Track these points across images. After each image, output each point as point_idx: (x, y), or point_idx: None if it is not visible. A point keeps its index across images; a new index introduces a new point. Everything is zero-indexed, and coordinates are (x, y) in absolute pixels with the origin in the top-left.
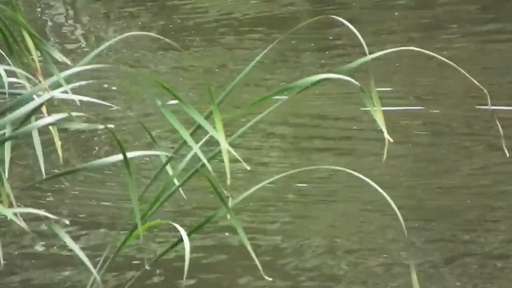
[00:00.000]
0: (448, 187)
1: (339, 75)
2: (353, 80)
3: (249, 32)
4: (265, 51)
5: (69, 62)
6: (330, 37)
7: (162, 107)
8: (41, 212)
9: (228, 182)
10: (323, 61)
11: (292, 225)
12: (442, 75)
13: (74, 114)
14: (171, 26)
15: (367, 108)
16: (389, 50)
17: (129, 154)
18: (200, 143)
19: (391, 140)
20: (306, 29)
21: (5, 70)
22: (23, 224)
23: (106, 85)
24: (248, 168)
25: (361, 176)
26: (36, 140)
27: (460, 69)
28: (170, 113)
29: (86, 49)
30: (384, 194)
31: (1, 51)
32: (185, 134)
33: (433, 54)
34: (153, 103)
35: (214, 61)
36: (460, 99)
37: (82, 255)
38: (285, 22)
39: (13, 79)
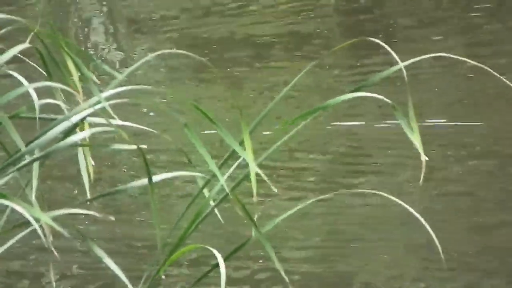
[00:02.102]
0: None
1: (369, 93)
2: (382, 97)
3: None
4: (300, 75)
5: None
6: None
7: (189, 133)
8: (91, 212)
9: (255, 198)
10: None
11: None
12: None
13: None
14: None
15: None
16: (422, 57)
17: (156, 177)
18: (230, 170)
19: (426, 159)
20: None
21: (45, 92)
22: (60, 229)
23: (145, 109)
24: (275, 190)
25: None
26: (81, 157)
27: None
28: (198, 140)
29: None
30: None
31: (42, 71)
32: (212, 163)
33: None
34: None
35: (243, 80)
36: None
37: (122, 277)
38: (314, 37)
39: (51, 100)
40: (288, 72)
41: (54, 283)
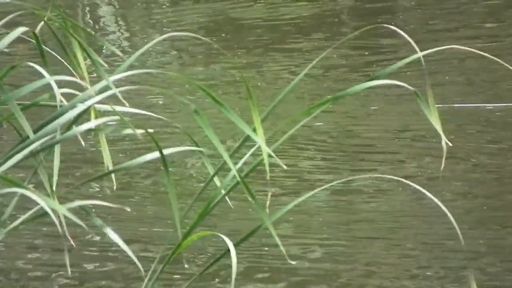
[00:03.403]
0: None
1: (386, 80)
2: (401, 83)
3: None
4: (314, 62)
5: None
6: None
7: (197, 116)
8: (102, 202)
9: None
10: (374, 66)
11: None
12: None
13: (114, 119)
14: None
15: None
16: (439, 48)
17: (166, 151)
18: (244, 159)
19: (450, 144)
20: (352, 32)
21: (58, 81)
22: (77, 220)
23: (150, 97)
24: (285, 167)
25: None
26: (103, 141)
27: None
28: (206, 122)
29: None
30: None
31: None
32: (220, 148)
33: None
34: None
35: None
36: None
37: (136, 260)
38: (327, 22)
39: (66, 90)
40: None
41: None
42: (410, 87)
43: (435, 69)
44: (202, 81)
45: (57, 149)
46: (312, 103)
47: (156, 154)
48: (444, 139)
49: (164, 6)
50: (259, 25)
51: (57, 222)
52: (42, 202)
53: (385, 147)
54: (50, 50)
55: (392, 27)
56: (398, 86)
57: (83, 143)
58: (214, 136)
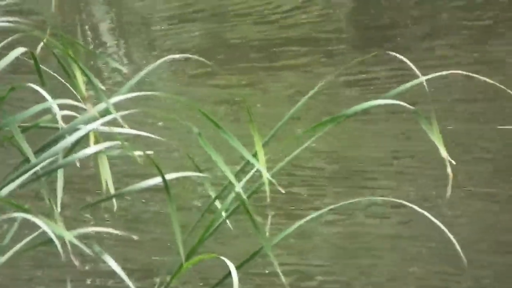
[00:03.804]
0: None
1: (389, 100)
2: (403, 103)
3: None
4: (317, 87)
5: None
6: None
7: (200, 139)
8: (115, 231)
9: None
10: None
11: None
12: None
13: (112, 143)
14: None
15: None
16: (440, 73)
17: (169, 176)
18: (244, 180)
19: (453, 162)
20: (352, 52)
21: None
22: (84, 247)
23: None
24: (283, 191)
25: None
26: (105, 164)
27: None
28: (209, 146)
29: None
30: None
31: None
32: (225, 168)
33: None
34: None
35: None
36: None
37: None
38: (326, 40)
39: (67, 112)
40: (300, 76)
41: None
42: (411, 107)
43: (434, 91)
44: (201, 101)
45: (60, 173)
46: (310, 123)
47: (158, 179)
48: (448, 164)
49: (162, 26)
50: (256, 45)
51: (60, 250)
52: (47, 228)
53: (384, 169)
54: (49, 71)
55: (395, 54)
56: (397, 106)
57: (78, 164)
58: (220, 159)
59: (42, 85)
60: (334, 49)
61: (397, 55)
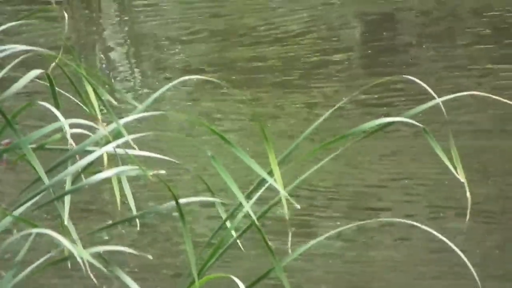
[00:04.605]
0: None
1: (396, 117)
2: (413, 121)
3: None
4: (330, 112)
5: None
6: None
7: (213, 160)
8: (131, 250)
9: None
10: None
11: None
12: None
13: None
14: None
15: None
16: (459, 94)
17: (183, 200)
18: (255, 198)
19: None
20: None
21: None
22: (101, 267)
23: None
24: (298, 206)
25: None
26: (126, 186)
27: None
28: (222, 168)
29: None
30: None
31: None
32: (237, 191)
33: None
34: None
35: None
36: None
37: None
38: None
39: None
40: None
41: None
42: (420, 125)
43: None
44: (213, 118)
45: (67, 199)
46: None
47: (172, 204)
48: (467, 189)
49: (174, 45)
50: (269, 64)
51: (83, 267)
52: (69, 245)
53: (394, 190)
54: (63, 91)
55: (412, 78)
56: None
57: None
58: (232, 182)
59: (56, 107)
60: (342, 68)
61: (413, 78)
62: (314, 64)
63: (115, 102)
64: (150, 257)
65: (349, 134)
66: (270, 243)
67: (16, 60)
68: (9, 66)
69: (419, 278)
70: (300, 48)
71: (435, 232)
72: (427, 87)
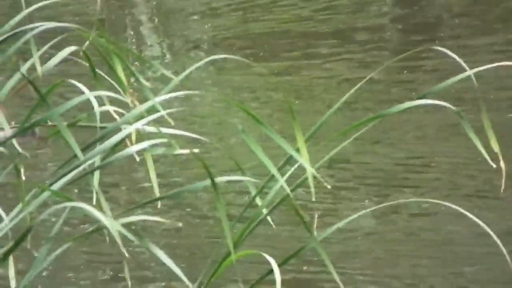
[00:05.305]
0: None
1: (432, 100)
2: (447, 104)
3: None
4: (368, 77)
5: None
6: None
7: (244, 136)
8: (160, 219)
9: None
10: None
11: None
12: None
13: (158, 141)
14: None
15: None
16: (494, 65)
17: (218, 179)
18: (287, 174)
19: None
20: (397, 48)
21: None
22: (131, 236)
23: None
24: (329, 186)
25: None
26: (150, 164)
27: None
28: (253, 142)
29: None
30: None
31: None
32: (270, 166)
33: None
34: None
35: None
36: None
37: (180, 274)
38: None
39: (110, 107)
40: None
41: (129, 282)
42: (453, 107)
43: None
44: (240, 91)
45: (96, 175)
46: (351, 114)
47: (207, 182)
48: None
49: (202, 20)
50: (295, 34)
51: (117, 237)
52: (101, 217)
53: (425, 169)
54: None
55: (442, 48)
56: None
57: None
58: (264, 156)
59: (97, 82)
60: (370, 41)
61: (445, 50)
62: (341, 36)
63: (147, 84)
64: (180, 224)
65: (383, 114)
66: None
67: (58, 38)
68: (49, 43)
69: (449, 258)
70: (328, 20)
71: (468, 214)
72: (459, 59)
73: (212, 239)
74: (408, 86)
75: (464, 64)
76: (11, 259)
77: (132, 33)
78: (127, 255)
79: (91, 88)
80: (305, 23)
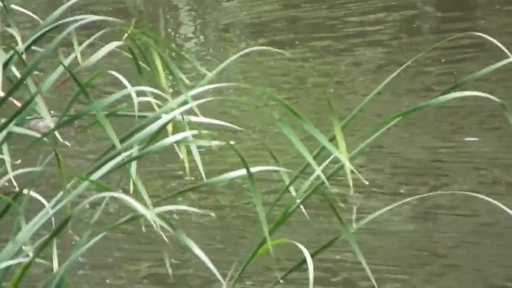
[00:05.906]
0: None
1: (473, 92)
2: (487, 95)
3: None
4: (402, 68)
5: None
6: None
7: (281, 124)
8: (192, 208)
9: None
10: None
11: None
12: None
13: (194, 132)
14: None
15: None
16: None
17: (253, 169)
18: (323, 165)
19: None
20: (432, 35)
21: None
22: (165, 225)
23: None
24: (366, 182)
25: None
26: (185, 155)
27: None
28: (290, 131)
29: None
30: None
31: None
32: (307, 154)
33: None
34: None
35: (332, 69)
36: None
37: (211, 266)
38: (407, 24)
39: (147, 98)
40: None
41: (170, 270)
42: (496, 99)
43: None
44: (274, 77)
45: (134, 165)
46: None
47: (243, 172)
48: None
49: (237, 6)
50: (331, 23)
51: (154, 225)
52: (139, 206)
53: (459, 163)
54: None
55: (481, 34)
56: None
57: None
58: (301, 145)
59: (140, 76)
60: (406, 26)
61: (484, 35)
62: (377, 21)
63: (186, 81)
64: (212, 214)
65: (425, 105)
66: (325, 220)
67: (102, 31)
68: (95, 35)
69: (478, 252)
70: (364, 5)
71: (502, 206)
72: (500, 44)
73: (240, 230)
74: (448, 70)
75: (506, 50)
76: (54, 242)
77: (169, 21)
78: (167, 240)
79: (128, 79)
80: (338, 10)
